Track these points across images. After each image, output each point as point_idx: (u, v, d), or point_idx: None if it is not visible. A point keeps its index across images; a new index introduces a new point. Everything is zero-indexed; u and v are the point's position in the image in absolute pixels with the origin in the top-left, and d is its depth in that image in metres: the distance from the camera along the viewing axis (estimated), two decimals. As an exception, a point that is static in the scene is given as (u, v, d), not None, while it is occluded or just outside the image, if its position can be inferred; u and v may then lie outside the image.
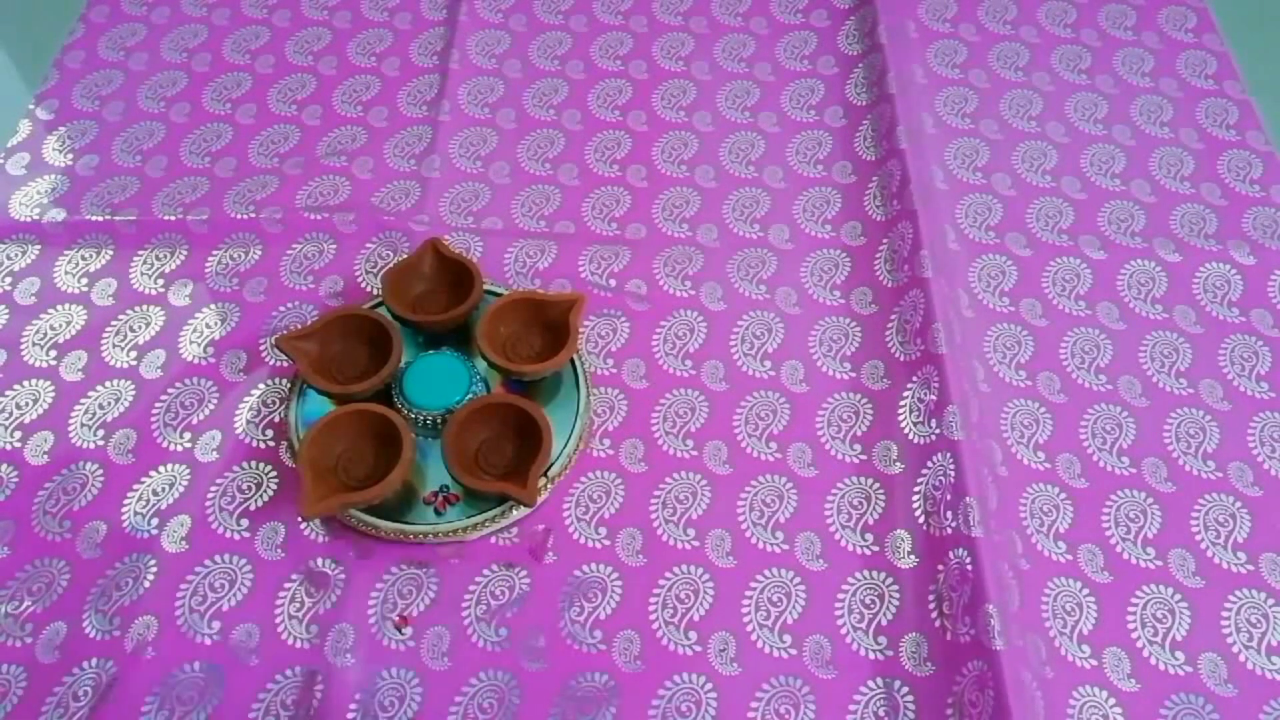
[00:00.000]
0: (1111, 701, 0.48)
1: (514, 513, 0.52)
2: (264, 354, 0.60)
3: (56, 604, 0.51)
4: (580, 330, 0.57)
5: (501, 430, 0.53)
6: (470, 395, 0.54)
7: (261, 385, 0.58)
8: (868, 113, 0.71)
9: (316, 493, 0.49)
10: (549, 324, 0.57)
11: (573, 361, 0.57)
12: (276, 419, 0.57)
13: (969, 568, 0.50)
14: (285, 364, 0.59)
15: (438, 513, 0.52)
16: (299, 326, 0.59)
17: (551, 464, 0.53)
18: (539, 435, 0.51)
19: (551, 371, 0.55)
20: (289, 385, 0.58)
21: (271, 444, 0.56)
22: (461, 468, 0.51)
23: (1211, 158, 0.69)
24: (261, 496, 0.54)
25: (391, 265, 0.59)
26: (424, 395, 0.54)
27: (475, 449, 0.53)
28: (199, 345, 0.60)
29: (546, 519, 0.53)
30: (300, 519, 0.53)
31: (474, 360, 0.57)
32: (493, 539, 0.53)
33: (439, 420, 0.54)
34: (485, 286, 0.58)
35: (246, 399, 0.58)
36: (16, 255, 0.65)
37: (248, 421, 0.57)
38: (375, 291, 0.62)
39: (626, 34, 0.77)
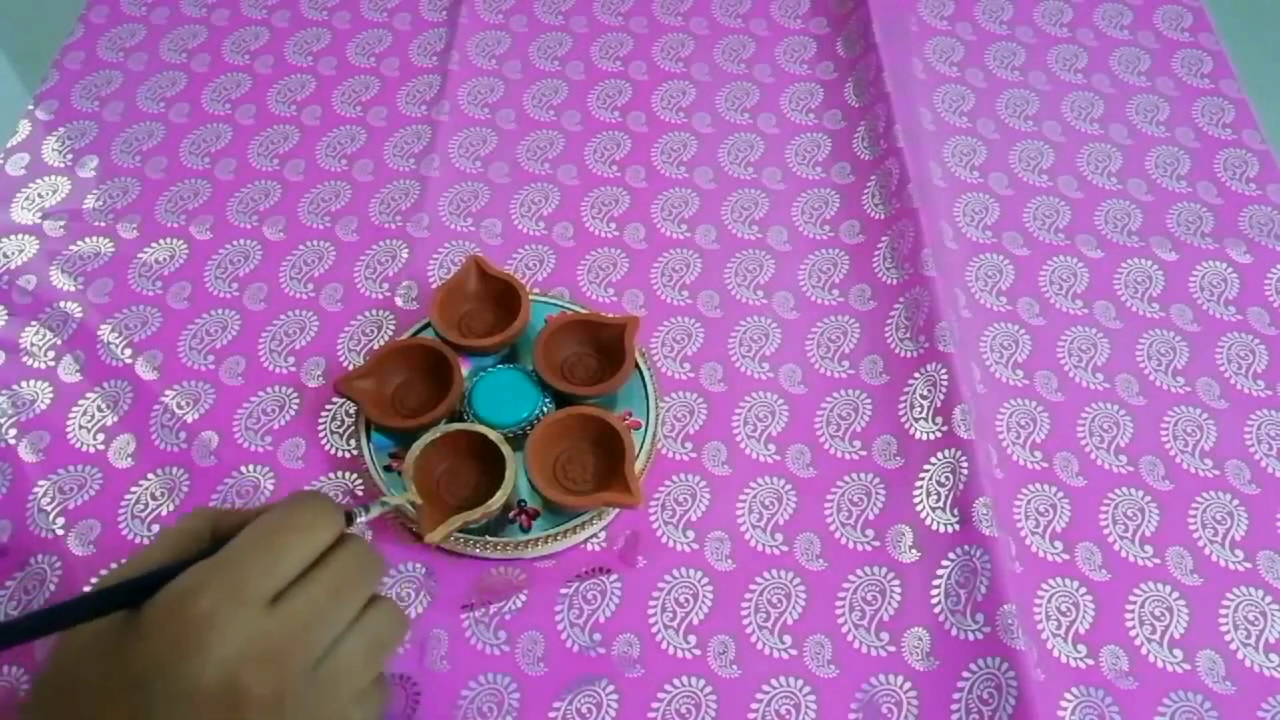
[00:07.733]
0: (1109, 700, 0.48)
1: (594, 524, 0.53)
2: (263, 361, 0.60)
3: None
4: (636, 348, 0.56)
5: (579, 443, 0.53)
6: (541, 407, 0.54)
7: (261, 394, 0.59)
8: (865, 113, 0.71)
9: (435, 518, 0.49)
10: (601, 344, 0.57)
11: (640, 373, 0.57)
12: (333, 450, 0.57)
13: (979, 564, 0.50)
14: (284, 371, 0.59)
15: (523, 529, 0.52)
16: (350, 364, 0.58)
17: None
18: (619, 443, 0.51)
19: (611, 392, 0.55)
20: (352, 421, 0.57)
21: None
22: (547, 484, 0.51)
23: (1208, 156, 0.70)
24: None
25: (439, 286, 0.58)
26: (497, 413, 0.54)
27: (553, 464, 0.53)
28: (199, 352, 0.60)
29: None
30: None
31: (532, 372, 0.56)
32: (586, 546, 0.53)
33: (509, 436, 0.53)
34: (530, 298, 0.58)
35: (245, 404, 0.58)
36: (14, 254, 0.65)
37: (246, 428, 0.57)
38: (376, 296, 0.62)
39: (626, 35, 0.78)
